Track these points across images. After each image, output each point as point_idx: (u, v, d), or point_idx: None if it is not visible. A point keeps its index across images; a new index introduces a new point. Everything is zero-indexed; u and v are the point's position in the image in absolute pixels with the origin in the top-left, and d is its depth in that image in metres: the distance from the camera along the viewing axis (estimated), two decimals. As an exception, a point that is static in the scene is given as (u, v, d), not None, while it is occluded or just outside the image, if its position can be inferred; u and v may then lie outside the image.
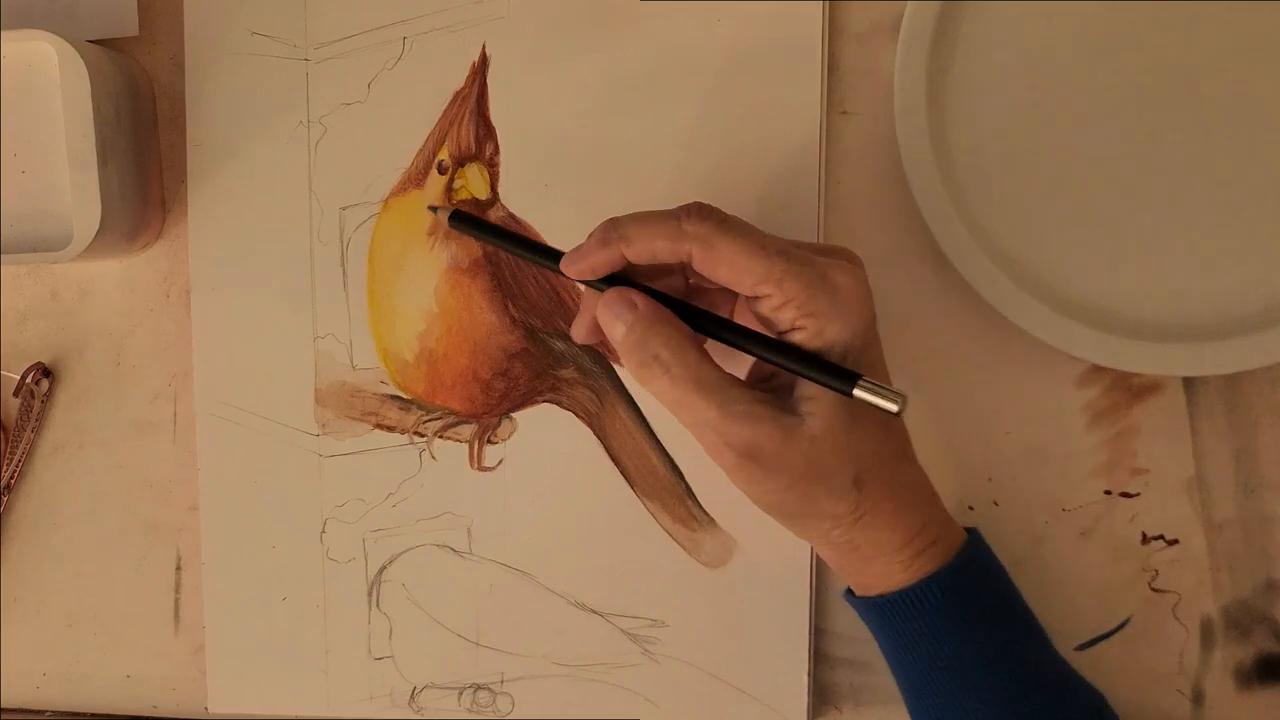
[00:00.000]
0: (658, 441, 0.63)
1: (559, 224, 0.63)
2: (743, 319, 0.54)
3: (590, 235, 0.51)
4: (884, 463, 0.51)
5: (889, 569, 0.53)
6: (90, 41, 0.63)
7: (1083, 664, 0.61)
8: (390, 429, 0.66)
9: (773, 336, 0.50)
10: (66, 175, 0.62)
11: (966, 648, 0.53)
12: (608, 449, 0.64)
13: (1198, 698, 0.62)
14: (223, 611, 0.68)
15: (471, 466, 0.65)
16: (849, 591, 0.57)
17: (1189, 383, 0.61)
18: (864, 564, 0.53)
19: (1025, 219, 0.60)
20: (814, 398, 0.49)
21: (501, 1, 0.63)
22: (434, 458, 0.65)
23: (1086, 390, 0.62)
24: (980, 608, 0.54)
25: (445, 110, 0.64)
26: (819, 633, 0.63)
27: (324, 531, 0.66)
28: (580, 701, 0.65)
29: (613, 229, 0.51)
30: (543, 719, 0.66)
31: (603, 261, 0.51)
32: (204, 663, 0.68)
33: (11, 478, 0.69)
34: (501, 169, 0.64)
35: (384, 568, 0.66)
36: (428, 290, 0.65)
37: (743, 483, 0.51)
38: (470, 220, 0.58)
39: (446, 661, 0.66)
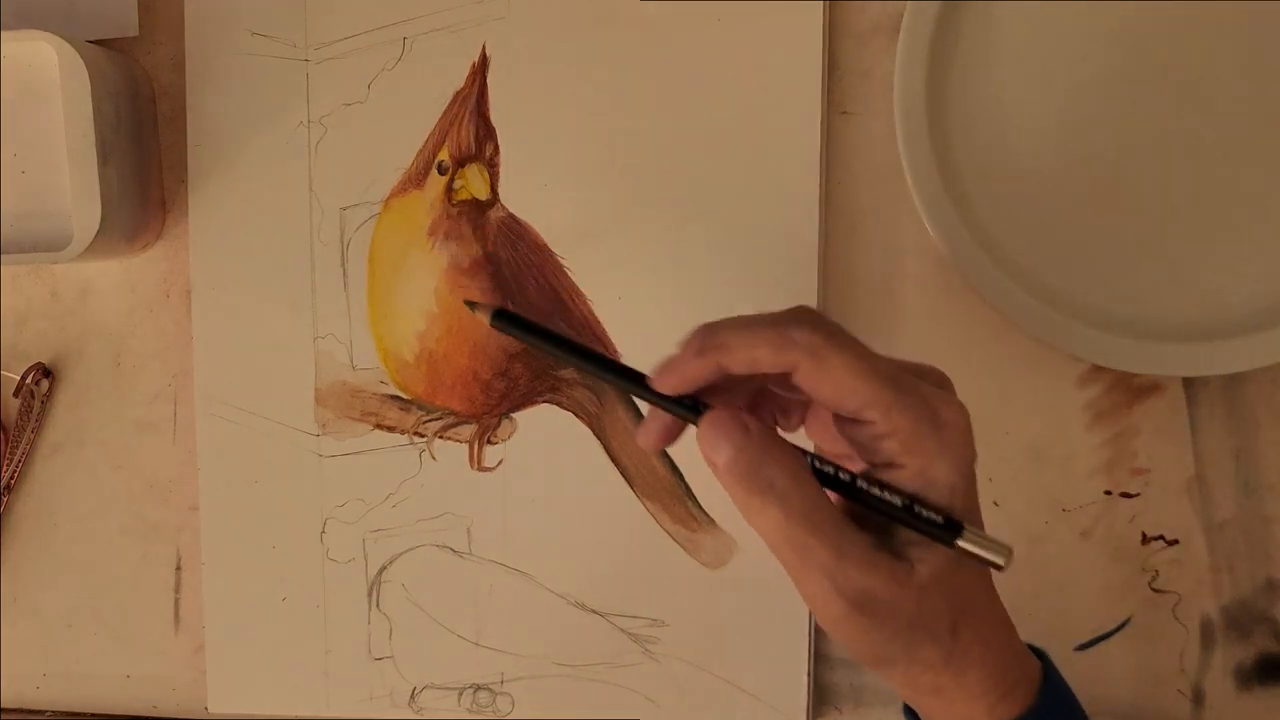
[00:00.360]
0: (658, 442, 0.64)
1: (559, 224, 0.63)
2: (815, 426, 0.51)
3: (684, 345, 0.46)
4: (977, 606, 0.48)
5: (972, 713, 0.49)
6: (90, 42, 0.63)
7: (1083, 664, 0.62)
8: (390, 429, 0.66)
9: (875, 481, 0.46)
10: (66, 175, 0.62)
11: None
12: (607, 449, 0.64)
13: (1198, 698, 0.62)
14: (223, 611, 0.68)
15: (471, 467, 0.65)
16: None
17: (1189, 383, 0.61)
18: (946, 707, 0.50)
19: (1025, 219, 0.60)
20: (921, 543, 0.45)
21: (501, 2, 0.63)
22: (434, 458, 0.65)
23: (1086, 390, 0.62)
24: None
25: (445, 110, 0.64)
26: (819, 633, 0.63)
27: (324, 532, 0.66)
28: (580, 701, 0.65)
29: (709, 337, 0.45)
30: (543, 719, 0.66)
31: (700, 374, 0.46)
32: (204, 663, 0.68)
33: (12, 478, 0.69)
34: (501, 169, 0.64)
35: (384, 568, 0.66)
36: (428, 290, 0.65)
37: (846, 633, 0.46)
38: (518, 322, 0.50)
39: (446, 662, 0.66)
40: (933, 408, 0.45)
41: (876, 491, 0.45)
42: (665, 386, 0.47)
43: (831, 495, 0.46)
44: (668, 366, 0.46)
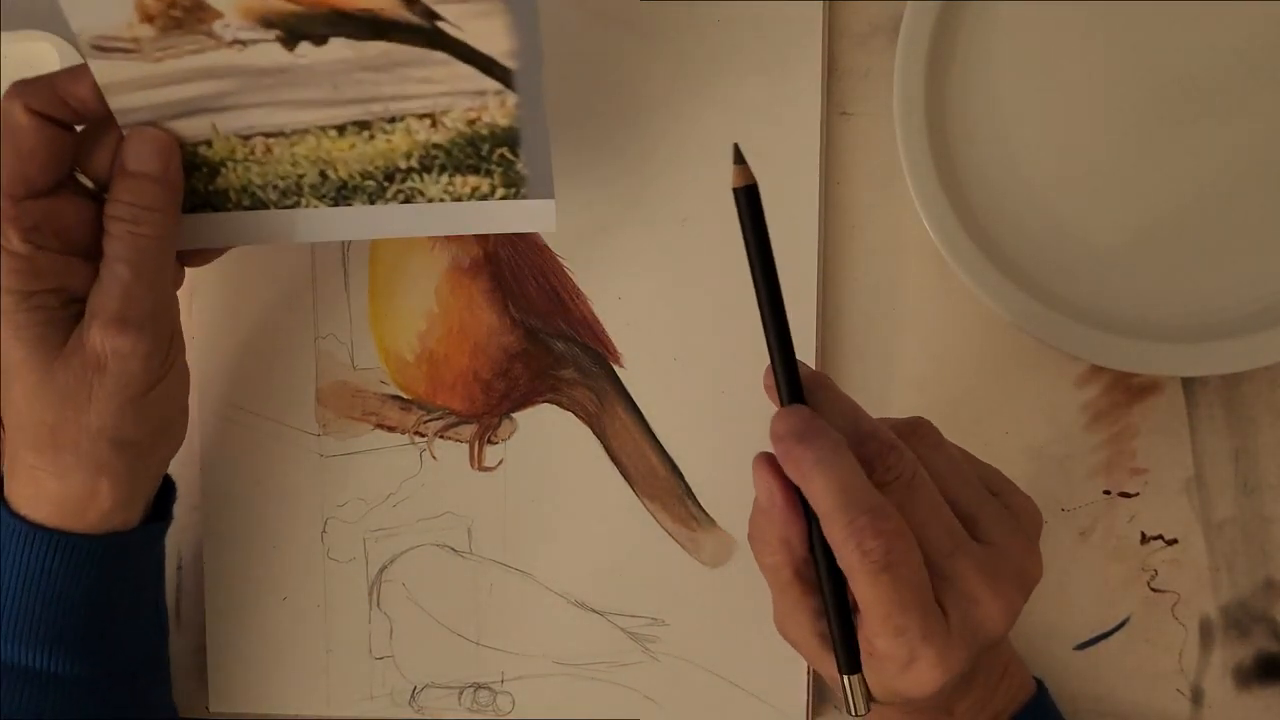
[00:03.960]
0: (657, 442, 0.64)
1: (559, 224, 0.63)
2: None
3: (798, 442, 0.48)
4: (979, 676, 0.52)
5: None
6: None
7: (1082, 664, 0.62)
8: (391, 429, 0.66)
9: (844, 610, 0.49)
10: (67, 175, 0.61)
11: None
12: (608, 449, 0.64)
13: (1197, 697, 0.62)
14: (223, 611, 0.68)
15: (472, 466, 0.65)
16: None
17: (1188, 383, 0.61)
18: None
19: (1025, 219, 0.60)
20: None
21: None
22: (434, 458, 0.66)
23: (1086, 390, 0.62)
24: None
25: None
26: (819, 632, 0.64)
27: (324, 531, 0.66)
28: (581, 700, 0.65)
29: (808, 467, 0.47)
30: (543, 718, 0.66)
31: (787, 469, 0.49)
32: (205, 662, 0.68)
33: (12, 477, 0.69)
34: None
35: (384, 567, 0.66)
36: (428, 290, 0.65)
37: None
38: (754, 211, 0.48)
39: (447, 661, 0.66)
40: (912, 660, 0.46)
41: (832, 598, 0.48)
42: (772, 435, 0.49)
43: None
44: (782, 432, 0.48)
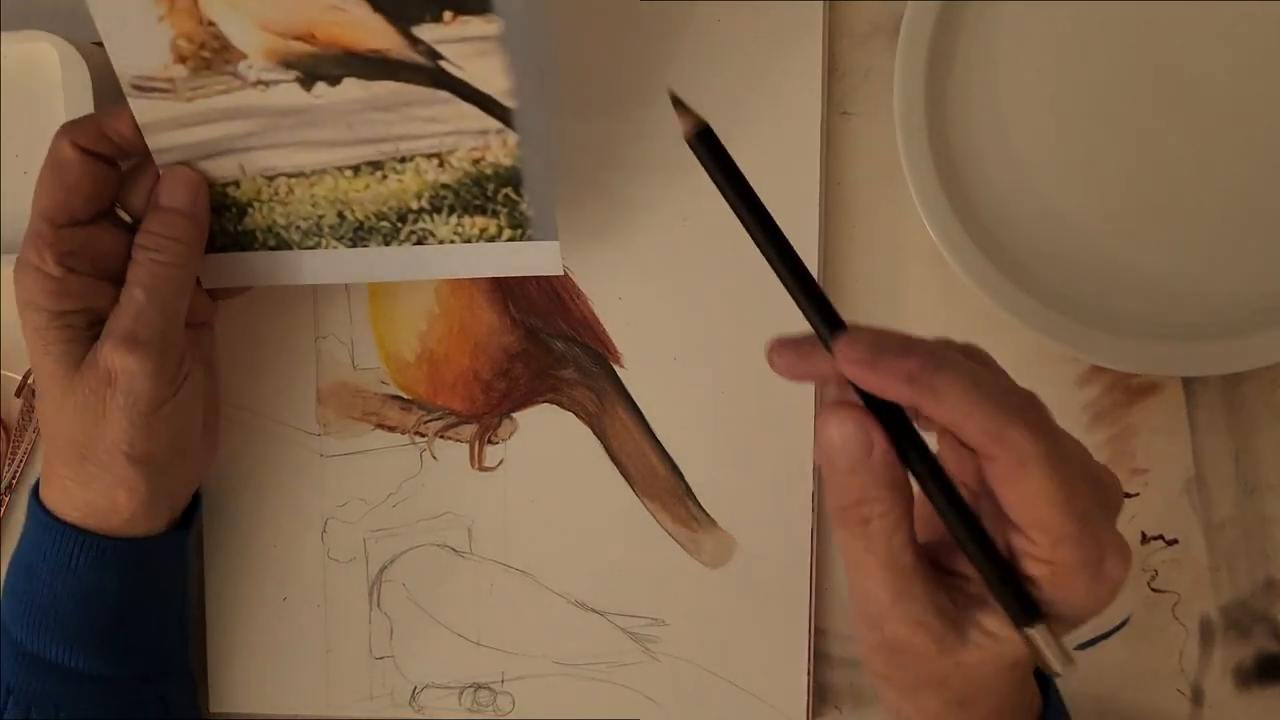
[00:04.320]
0: (658, 442, 0.64)
1: (559, 223, 0.63)
2: (951, 456, 0.44)
3: (900, 352, 0.41)
4: (998, 697, 0.45)
5: None
6: (92, 42, 0.63)
7: (1082, 664, 0.61)
8: (391, 429, 0.66)
9: (992, 551, 0.42)
10: (67, 176, 0.61)
11: None
12: (608, 449, 0.64)
13: (1197, 697, 0.62)
14: (223, 611, 0.68)
15: (472, 467, 0.65)
16: None
17: (1189, 383, 0.61)
18: None
19: (1025, 219, 0.60)
20: (994, 635, 0.43)
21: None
22: (435, 458, 0.66)
23: (1086, 390, 0.62)
24: None
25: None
26: (819, 632, 0.63)
27: (325, 531, 0.66)
28: (581, 701, 0.65)
29: (930, 373, 0.40)
30: (543, 719, 0.66)
31: (894, 396, 0.41)
32: (205, 662, 0.68)
33: (14, 478, 0.69)
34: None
35: (385, 567, 0.66)
36: (429, 290, 0.65)
37: (870, 652, 0.45)
38: (715, 152, 0.43)
39: (447, 661, 0.66)
40: (1102, 557, 0.41)
41: (977, 545, 0.42)
42: (848, 367, 0.42)
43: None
44: (866, 355, 0.41)
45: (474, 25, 0.52)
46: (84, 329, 0.56)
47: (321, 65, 0.54)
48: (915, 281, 0.62)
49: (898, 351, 0.41)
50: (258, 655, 0.68)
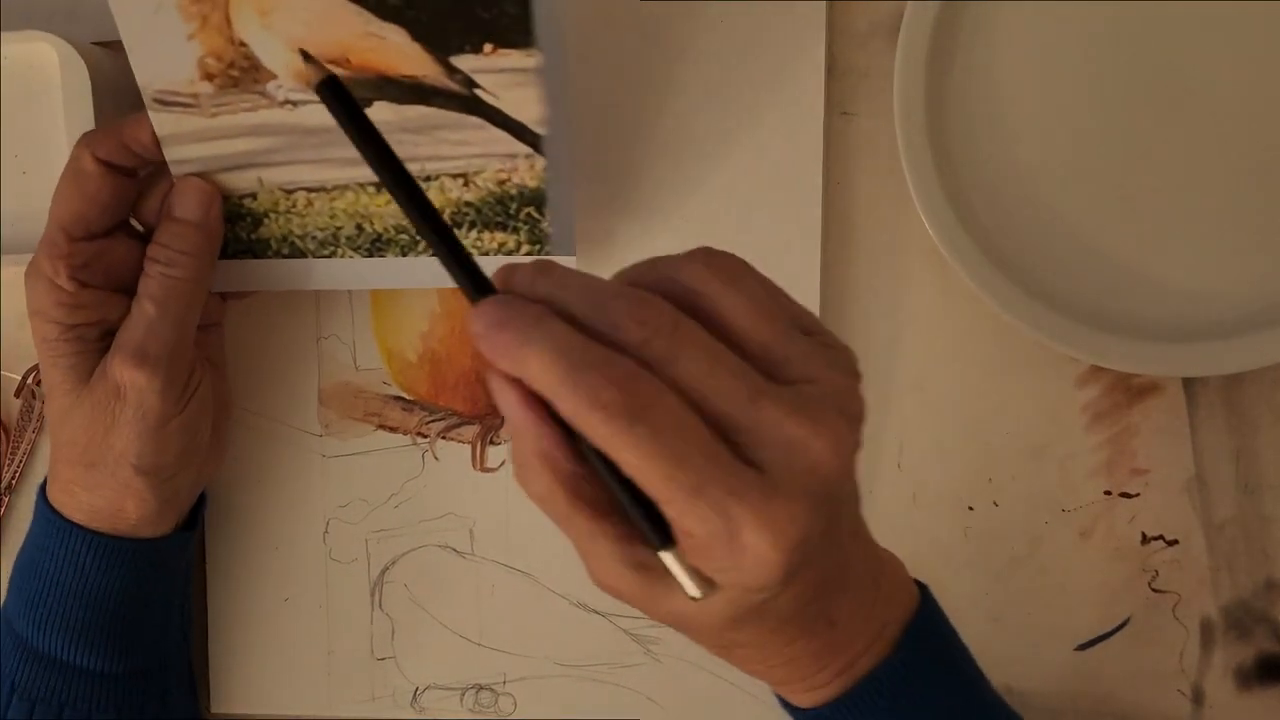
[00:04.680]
0: (659, 442, 0.63)
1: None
2: None
3: (500, 328, 0.39)
4: (763, 650, 0.44)
5: (808, 691, 0.47)
6: (91, 42, 0.63)
7: (1083, 664, 0.62)
8: (393, 430, 0.66)
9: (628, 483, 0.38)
10: (67, 176, 0.61)
11: None
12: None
13: (1198, 698, 0.62)
14: (225, 612, 0.68)
15: (474, 467, 0.65)
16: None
17: (1189, 383, 0.61)
18: (777, 686, 0.49)
19: (1025, 219, 0.60)
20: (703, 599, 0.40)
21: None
22: (436, 458, 0.65)
23: (1086, 390, 0.62)
24: (934, 691, 0.47)
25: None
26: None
27: (327, 532, 0.66)
28: (582, 701, 0.65)
29: (519, 348, 0.38)
30: (545, 719, 0.66)
31: (503, 368, 0.39)
32: (206, 662, 0.68)
33: (13, 478, 0.69)
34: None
35: (386, 568, 0.66)
36: (431, 291, 0.65)
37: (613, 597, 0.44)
38: (344, 100, 0.44)
39: (449, 662, 0.66)
40: (734, 528, 0.37)
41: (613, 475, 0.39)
42: (474, 340, 0.39)
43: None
44: (481, 328, 0.39)
45: (513, 58, 0.52)
46: (95, 341, 0.56)
47: (353, 89, 0.53)
48: (915, 281, 0.62)
49: (499, 323, 0.39)
50: (259, 656, 0.68)
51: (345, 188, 0.58)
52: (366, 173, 0.55)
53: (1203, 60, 0.59)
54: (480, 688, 0.66)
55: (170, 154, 0.57)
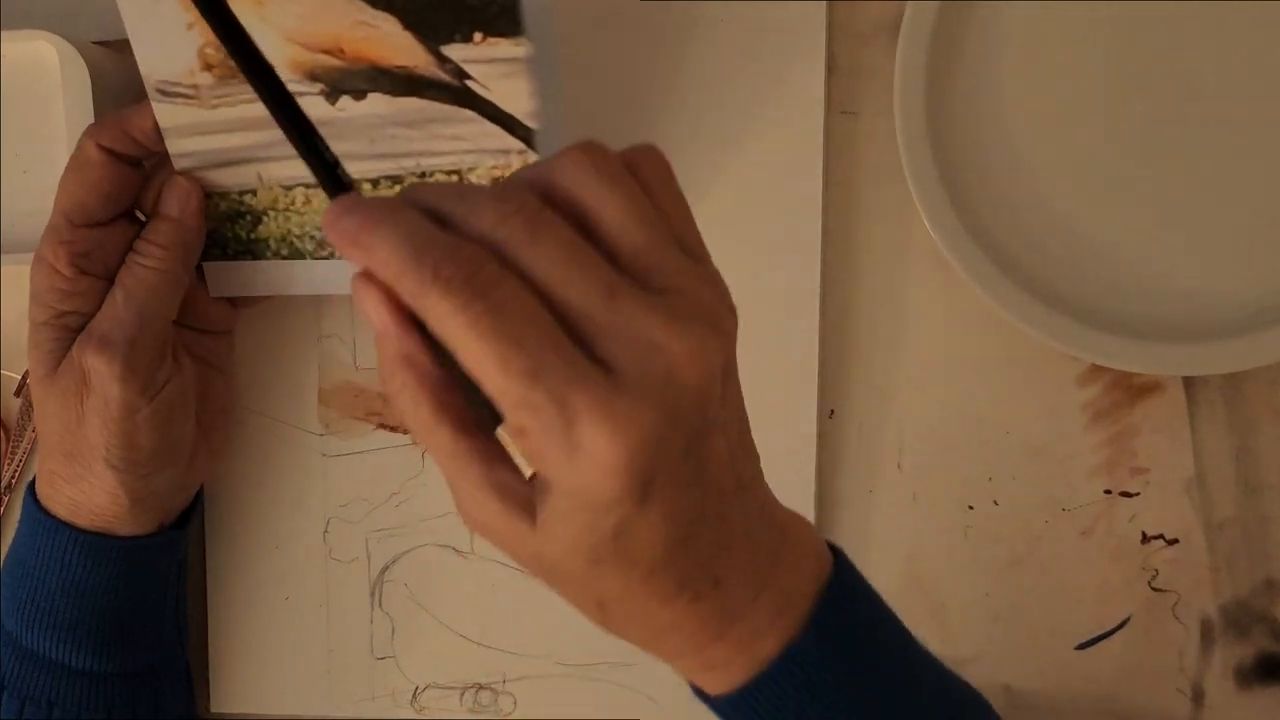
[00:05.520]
0: (660, 442, 0.63)
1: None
2: None
3: (348, 213, 0.37)
4: (631, 603, 0.42)
5: (709, 671, 0.44)
6: (91, 42, 0.63)
7: (1083, 664, 0.62)
8: (393, 429, 0.66)
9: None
10: (68, 175, 0.61)
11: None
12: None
13: (1197, 697, 0.62)
14: (225, 611, 0.68)
15: (474, 467, 0.65)
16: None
17: (1189, 382, 0.61)
18: (677, 664, 0.45)
19: (1025, 219, 0.60)
20: (546, 522, 0.39)
21: None
22: (437, 458, 0.66)
23: (1086, 390, 0.62)
24: (858, 662, 0.44)
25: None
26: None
27: (327, 531, 0.66)
28: (583, 701, 0.65)
29: (366, 232, 0.37)
30: (545, 719, 0.66)
31: (350, 257, 0.38)
32: (207, 662, 0.68)
33: (13, 478, 0.69)
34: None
35: (387, 567, 0.66)
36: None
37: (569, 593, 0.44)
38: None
39: (449, 661, 0.66)
40: (570, 420, 0.35)
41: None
42: (327, 233, 0.38)
43: None
44: (330, 217, 0.38)
45: (503, 47, 0.52)
46: (77, 331, 0.56)
47: (347, 79, 0.55)
48: (915, 281, 0.62)
49: (348, 209, 0.37)
50: (259, 655, 0.68)
51: None
52: (364, 168, 0.56)
53: (1203, 60, 0.59)
54: (480, 687, 0.66)
55: (172, 146, 0.57)
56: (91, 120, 0.61)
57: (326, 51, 0.54)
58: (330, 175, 0.41)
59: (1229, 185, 0.59)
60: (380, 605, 0.66)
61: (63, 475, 0.58)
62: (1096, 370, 0.62)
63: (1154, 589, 0.62)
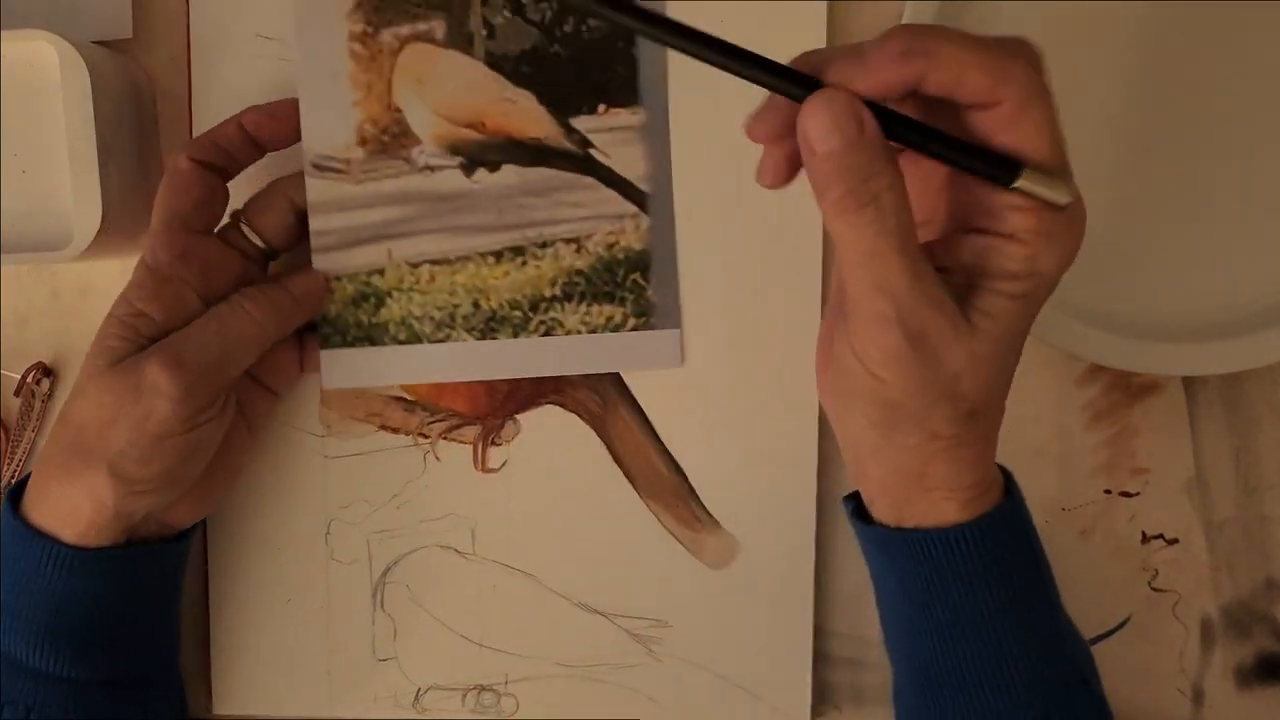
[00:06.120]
0: (660, 443, 0.64)
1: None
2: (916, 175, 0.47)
3: (881, 43, 0.42)
4: (997, 404, 0.48)
5: (944, 505, 0.49)
6: (91, 41, 0.63)
7: (1083, 663, 0.62)
8: (395, 430, 0.66)
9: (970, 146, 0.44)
10: (67, 175, 0.61)
11: (993, 591, 0.49)
12: (611, 450, 0.64)
13: (1198, 697, 0.62)
14: (227, 613, 0.68)
15: (475, 468, 0.65)
16: (865, 520, 0.52)
17: (1189, 382, 0.62)
18: (920, 492, 0.49)
19: (1026, 219, 0.60)
20: (997, 316, 0.45)
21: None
22: (438, 459, 0.65)
23: (1086, 390, 0.62)
24: (1019, 554, 0.51)
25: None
26: (818, 632, 0.64)
27: (328, 533, 0.66)
28: (584, 702, 0.65)
29: (919, 40, 0.41)
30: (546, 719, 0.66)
31: (896, 79, 0.42)
32: (208, 663, 0.68)
33: (13, 477, 0.69)
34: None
35: (388, 569, 0.66)
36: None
37: (886, 366, 0.45)
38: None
39: (450, 663, 0.66)
40: (1078, 195, 0.44)
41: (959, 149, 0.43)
42: (855, 84, 0.42)
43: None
44: (854, 61, 0.42)
45: (621, 116, 0.60)
46: (145, 337, 0.57)
47: (485, 152, 0.61)
48: (916, 281, 0.62)
49: (879, 42, 0.42)
50: (261, 657, 0.67)
51: (467, 259, 0.62)
52: (488, 241, 0.61)
53: (1203, 59, 0.59)
54: (482, 688, 0.66)
55: (315, 223, 0.61)
56: (91, 122, 0.60)
57: (469, 126, 0.60)
58: (789, 73, 0.43)
59: (1229, 185, 0.59)
60: (382, 606, 0.66)
61: (56, 471, 0.57)
62: (1096, 370, 0.62)
63: (1154, 589, 0.62)
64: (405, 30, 0.60)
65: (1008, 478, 0.52)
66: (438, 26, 0.60)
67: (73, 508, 0.56)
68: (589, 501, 0.64)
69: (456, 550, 0.66)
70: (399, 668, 0.66)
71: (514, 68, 0.60)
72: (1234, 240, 0.60)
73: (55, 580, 0.57)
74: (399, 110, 0.60)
